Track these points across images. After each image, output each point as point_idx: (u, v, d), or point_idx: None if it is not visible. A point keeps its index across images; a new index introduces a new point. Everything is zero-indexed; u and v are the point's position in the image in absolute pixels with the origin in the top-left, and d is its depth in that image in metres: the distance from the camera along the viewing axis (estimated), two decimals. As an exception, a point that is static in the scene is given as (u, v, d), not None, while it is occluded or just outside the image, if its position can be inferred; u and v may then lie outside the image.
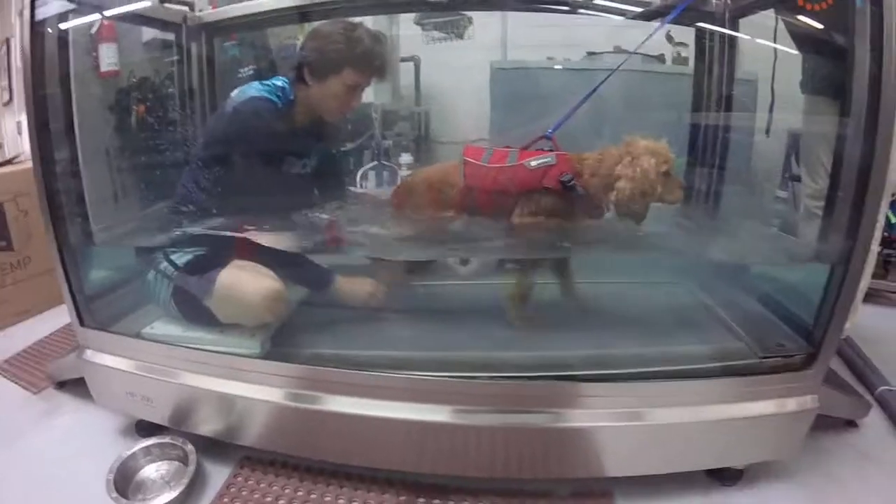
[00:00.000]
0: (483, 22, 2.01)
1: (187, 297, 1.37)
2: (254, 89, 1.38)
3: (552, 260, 1.55)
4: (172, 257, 1.39)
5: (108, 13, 1.46)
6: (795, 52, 1.69)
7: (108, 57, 1.81)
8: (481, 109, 1.98)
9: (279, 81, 1.41)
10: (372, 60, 1.39)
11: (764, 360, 1.30)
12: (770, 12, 1.65)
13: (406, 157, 2.03)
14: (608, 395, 1.25)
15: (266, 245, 1.35)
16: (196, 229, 1.37)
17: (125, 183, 1.78)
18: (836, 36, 1.40)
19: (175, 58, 1.62)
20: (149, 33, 1.82)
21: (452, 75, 2.21)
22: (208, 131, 1.45)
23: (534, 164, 1.39)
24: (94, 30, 1.79)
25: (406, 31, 1.97)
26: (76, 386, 1.59)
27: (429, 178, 1.53)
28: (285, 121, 1.40)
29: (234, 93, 1.41)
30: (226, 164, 1.37)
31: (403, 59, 2.16)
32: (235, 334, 1.37)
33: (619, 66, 1.56)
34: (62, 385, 1.72)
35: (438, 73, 2.25)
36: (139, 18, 1.62)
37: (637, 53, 1.64)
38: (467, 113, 2.17)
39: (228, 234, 1.33)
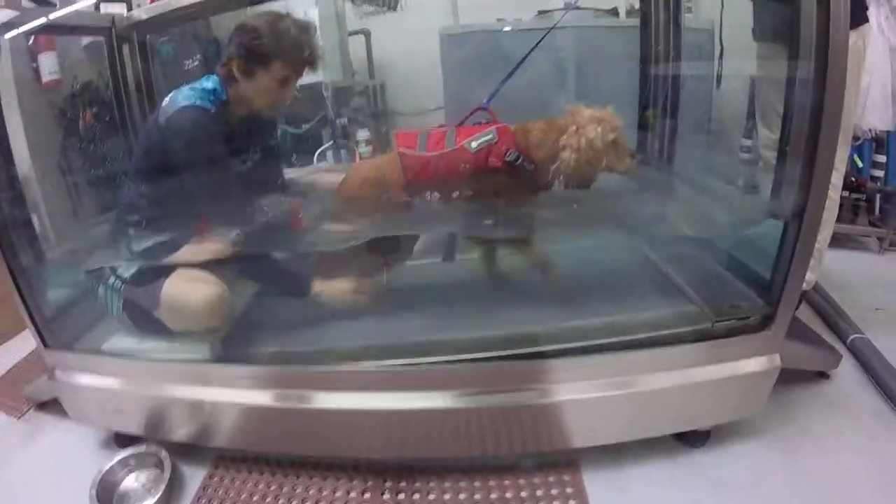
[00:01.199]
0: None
1: (137, 310, 1.32)
2: (183, 96, 1.28)
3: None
4: (119, 270, 1.33)
5: (22, 29, 1.36)
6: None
7: (48, 67, 1.71)
8: (435, 77, 1.87)
9: (209, 83, 1.32)
10: (300, 51, 1.30)
11: (718, 323, 1.23)
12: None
13: (363, 133, 1.93)
14: (568, 369, 1.20)
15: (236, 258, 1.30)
16: (142, 240, 1.31)
17: (82, 194, 1.70)
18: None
19: (108, 63, 1.52)
20: (88, 37, 1.71)
21: (404, 45, 2.09)
22: (143, 143, 1.36)
23: (474, 144, 1.28)
24: (31, 41, 1.69)
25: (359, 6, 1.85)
26: (56, 405, 1.55)
27: (365, 179, 1.42)
28: (221, 123, 1.31)
29: (165, 101, 1.31)
30: (164, 176, 1.29)
31: (353, 33, 2.04)
32: (186, 341, 1.33)
33: (555, 25, 1.45)
34: (43, 406, 1.68)
35: (390, 44, 2.12)
36: (62, 29, 1.51)
37: (577, 8, 1.52)
38: (422, 82, 2.06)
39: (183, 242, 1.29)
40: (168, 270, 1.29)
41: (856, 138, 2.13)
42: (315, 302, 1.41)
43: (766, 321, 1.21)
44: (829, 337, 1.69)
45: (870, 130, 2.00)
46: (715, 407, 1.26)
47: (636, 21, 1.90)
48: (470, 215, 1.36)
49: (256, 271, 1.37)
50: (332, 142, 1.99)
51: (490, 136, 1.29)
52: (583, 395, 1.19)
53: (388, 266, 1.53)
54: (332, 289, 1.42)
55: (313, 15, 1.79)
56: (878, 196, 2.29)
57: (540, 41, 1.41)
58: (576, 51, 1.89)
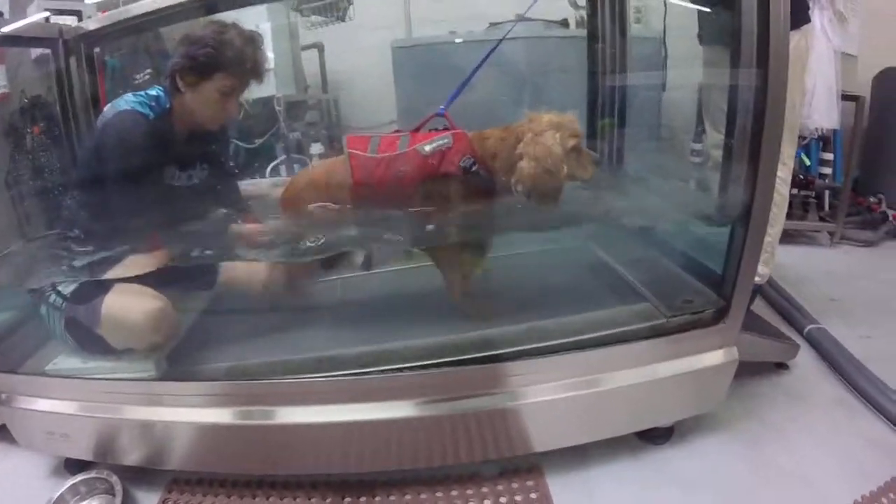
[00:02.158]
0: (384, 2, 1.86)
1: (79, 328, 1.23)
2: (124, 102, 1.22)
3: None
4: (59, 287, 1.24)
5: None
6: (691, 5, 1.59)
7: (-4, 80, 1.63)
8: (388, 91, 1.83)
9: (153, 91, 1.26)
10: (244, 63, 1.24)
11: (671, 318, 1.20)
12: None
13: (317, 147, 1.88)
14: (527, 372, 1.15)
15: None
16: (82, 256, 1.23)
17: (28, 210, 1.61)
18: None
19: (53, 71, 1.44)
20: (37, 49, 1.63)
21: (357, 59, 2.06)
22: (82, 151, 1.29)
23: (428, 148, 1.20)
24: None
25: (307, 17, 1.81)
26: (5, 432, 1.44)
27: (314, 180, 1.34)
28: (161, 132, 1.24)
29: (107, 108, 1.25)
30: (103, 184, 1.22)
31: (305, 47, 1.99)
32: (131, 359, 1.24)
33: (505, 35, 1.42)
34: (-8, 433, 1.57)
35: (343, 57, 2.08)
36: (7, 39, 1.43)
37: (527, 19, 1.50)
38: (374, 95, 2.02)
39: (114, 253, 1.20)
40: (108, 286, 1.21)
41: (802, 138, 2.16)
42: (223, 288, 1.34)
43: (720, 314, 1.18)
44: (785, 329, 1.67)
45: (816, 130, 2.03)
46: (675, 402, 1.22)
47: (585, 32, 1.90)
48: (414, 222, 1.28)
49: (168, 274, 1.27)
50: (284, 156, 1.93)
51: (445, 140, 1.21)
52: (542, 397, 1.14)
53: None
54: (242, 273, 1.35)
55: (265, 28, 1.75)
56: (826, 192, 2.32)
57: (495, 47, 1.37)
58: (527, 61, 1.87)
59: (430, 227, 1.25)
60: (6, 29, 1.42)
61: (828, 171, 2.35)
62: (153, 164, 1.22)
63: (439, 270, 1.37)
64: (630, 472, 1.22)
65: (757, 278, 1.68)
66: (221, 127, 1.41)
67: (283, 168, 1.83)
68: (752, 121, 1.10)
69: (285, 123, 1.92)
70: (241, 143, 1.92)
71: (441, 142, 1.21)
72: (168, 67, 1.24)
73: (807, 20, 1.49)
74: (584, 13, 1.98)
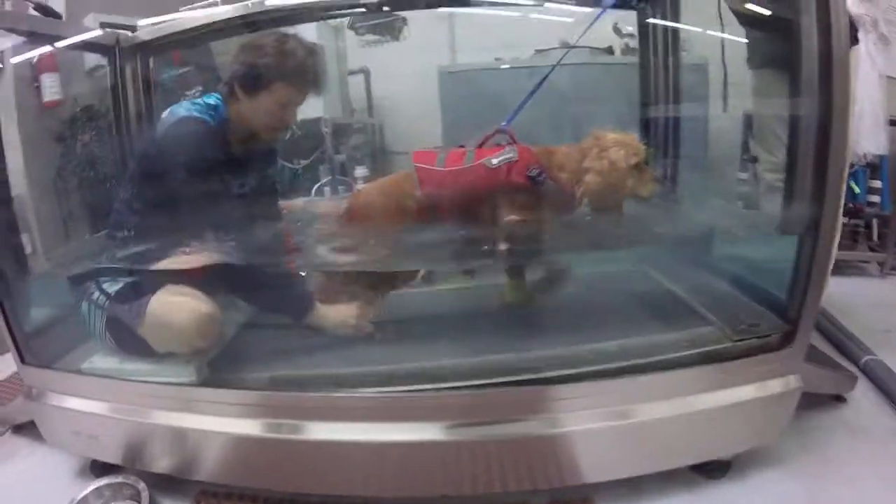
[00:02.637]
0: (430, 27, 1.87)
1: (120, 328, 1.18)
2: (184, 109, 1.21)
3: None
4: (104, 286, 1.21)
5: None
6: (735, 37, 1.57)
7: (50, 87, 1.65)
8: (433, 116, 1.82)
9: (211, 99, 1.24)
10: (304, 75, 1.23)
11: (738, 342, 1.12)
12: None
13: (361, 171, 1.87)
14: (579, 396, 1.07)
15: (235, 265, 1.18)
16: (128, 255, 1.20)
17: (75, 215, 1.61)
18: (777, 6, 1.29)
19: (109, 79, 1.45)
20: (91, 60, 1.66)
21: (403, 84, 2.06)
22: (139, 154, 1.28)
23: (495, 161, 1.21)
24: (34, 60, 1.63)
25: (353, 42, 1.83)
26: (34, 429, 1.40)
27: (384, 191, 1.33)
28: (219, 140, 1.23)
29: (165, 114, 1.24)
30: (159, 188, 1.20)
31: (352, 73, 2.01)
32: (171, 363, 1.19)
33: (564, 55, 1.40)
34: (19, 429, 1.51)
35: (389, 82, 2.09)
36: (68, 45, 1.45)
37: (573, 47, 1.49)
38: (420, 121, 2.01)
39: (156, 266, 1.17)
40: (155, 286, 1.17)
41: (850, 165, 2.09)
42: (314, 326, 1.29)
43: (786, 338, 1.10)
44: (840, 360, 1.57)
45: (864, 156, 1.96)
46: (736, 433, 1.13)
47: (631, 59, 1.89)
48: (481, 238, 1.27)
49: (252, 287, 1.25)
50: (330, 177, 1.92)
51: (511, 154, 1.22)
52: (595, 424, 1.06)
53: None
54: (335, 313, 1.30)
55: None
56: (875, 221, 2.23)
57: (554, 68, 1.37)
58: (573, 88, 1.86)
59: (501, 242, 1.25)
60: (68, 41, 1.44)
61: (876, 199, 2.26)
62: (209, 171, 1.20)
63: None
64: (687, 508, 1.12)
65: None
66: (275, 138, 1.39)
67: (326, 189, 1.82)
68: (817, 137, 1.05)
69: (331, 146, 1.92)
70: (286, 164, 1.92)
71: (507, 155, 1.22)
72: (227, 75, 1.23)
73: (854, 42, 1.45)
74: (628, 41, 1.97)
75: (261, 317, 1.36)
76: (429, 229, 1.28)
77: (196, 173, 1.17)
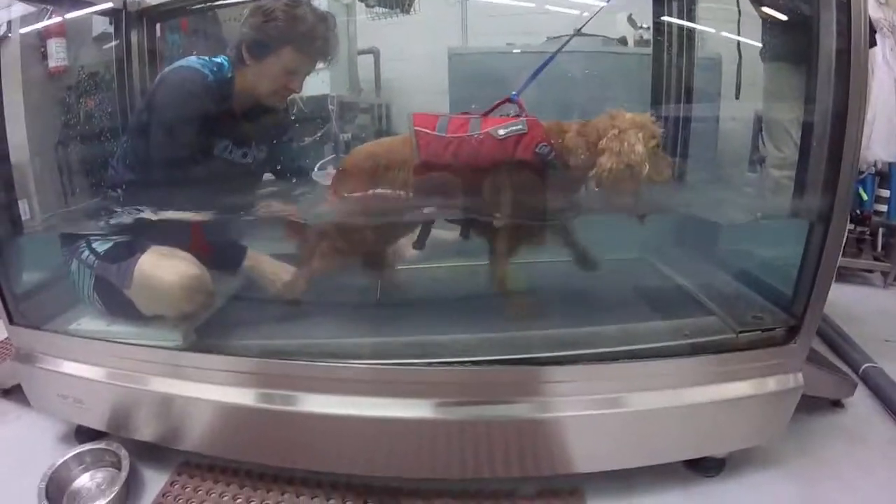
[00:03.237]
0: (443, 10, 1.82)
1: (108, 288, 1.14)
2: (186, 61, 1.18)
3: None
4: (94, 245, 1.17)
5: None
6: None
7: (56, 52, 1.61)
8: (442, 98, 1.77)
9: (218, 58, 1.20)
10: (314, 41, 1.18)
11: (741, 334, 1.07)
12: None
13: None
14: (573, 379, 1.02)
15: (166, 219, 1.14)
16: (119, 213, 1.15)
17: (75, 179, 1.57)
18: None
19: (114, 44, 1.41)
20: (98, 27, 1.62)
21: (412, 65, 2.01)
22: (136, 109, 1.24)
23: (502, 132, 1.12)
24: (42, 25, 1.59)
25: (363, 20, 1.78)
26: (22, 393, 1.37)
27: (374, 155, 1.23)
28: (219, 99, 1.18)
29: (168, 67, 1.20)
30: (152, 142, 1.15)
31: (362, 52, 1.96)
32: (157, 326, 1.15)
33: (570, 38, 1.34)
34: (7, 393, 1.48)
35: (398, 63, 2.04)
36: (73, 4, 1.41)
37: (585, 35, 1.44)
38: (428, 103, 1.96)
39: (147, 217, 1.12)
40: (144, 248, 1.13)
41: (859, 171, 2.04)
42: (249, 275, 1.25)
43: (790, 334, 1.06)
44: (840, 366, 1.53)
45: (874, 164, 1.91)
46: (735, 430, 1.08)
47: (644, 50, 1.84)
48: (482, 209, 1.20)
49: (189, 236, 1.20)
50: (334, 156, 1.87)
51: (520, 126, 1.13)
52: (587, 410, 1.01)
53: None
54: (269, 266, 1.26)
55: None
56: (881, 230, 2.18)
57: (566, 42, 1.31)
58: (584, 75, 1.82)
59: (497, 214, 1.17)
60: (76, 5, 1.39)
61: (883, 207, 2.21)
62: (204, 127, 1.16)
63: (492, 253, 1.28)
64: (679, 506, 1.08)
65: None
66: (284, 111, 1.35)
67: (330, 167, 1.77)
68: (831, 126, 1.01)
69: (337, 124, 1.87)
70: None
71: (516, 127, 1.13)
72: (236, 38, 1.19)
73: (873, 43, 1.40)
74: (642, 32, 1.92)
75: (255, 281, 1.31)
76: (419, 197, 1.20)
77: (184, 124, 1.13)
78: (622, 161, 1.08)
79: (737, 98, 1.52)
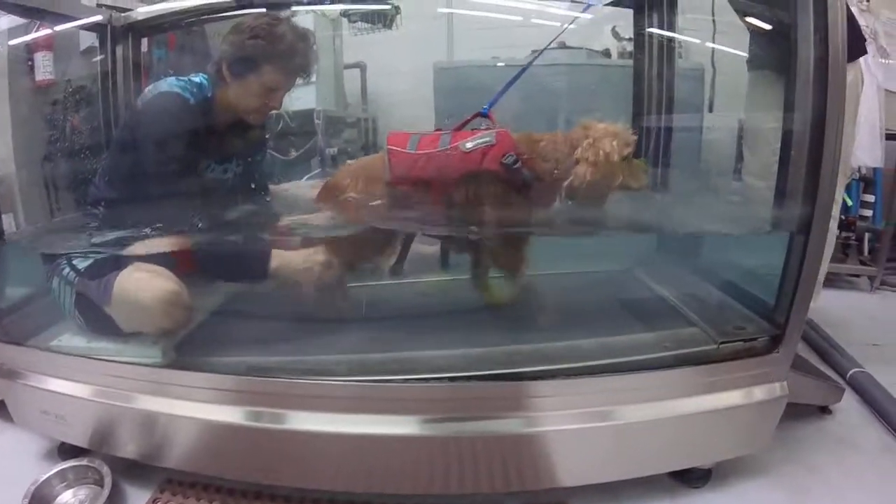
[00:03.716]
0: (428, 25, 1.82)
1: (89, 305, 1.13)
2: (166, 84, 1.16)
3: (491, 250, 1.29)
4: (75, 262, 1.15)
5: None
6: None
7: (43, 66, 1.60)
8: (427, 112, 1.78)
9: (197, 78, 1.19)
10: (294, 59, 1.17)
11: (723, 345, 1.06)
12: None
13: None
14: (557, 394, 1.01)
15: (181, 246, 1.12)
16: (100, 232, 1.14)
17: (60, 195, 1.55)
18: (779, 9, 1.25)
19: (100, 58, 1.40)
20: (85, 41, 1.61)
21: (398, 79, 2.01)
22: (117, 131, 1.23)
23: (469, 145, 1.12)
24: (29, 38, 1.58)
25: (349, 36, 1.78)
26: (4, 409, 1.35)
27: (353, 174, 1.25)
28: (200, 119, 1.17)
29: (148, 88, 1.19)
30: (131, 162, 1.15)
31: (348, 66, 1.96)
32: (137, 343, 1.13)
33: (550, 43, 1.37)
34: (-9, 409, 1.47)
35: (384, 77, 2.04)
36: (58, 17, 1.40)
37: (569, 48, 1.45)
38: (413, 117, 1.96)
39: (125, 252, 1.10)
40: (124, 264, 1.11)
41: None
42: (278, 276, 1.17)
43: (773, 343, 1.04)
44: (827, 372, 1.51)
45: (858, 169, 1.92)
46: (720, 440, 1.07)
47: (628, 62, 1.84)
48: (454, 223, 1.20)
49: (209, 260, 1.18)
50: (319, 170, 1.86)
51: (488, 139, 1.13)
52: (571, 424, 1.00)
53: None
54: (297, 256, 1.18)
55: None
56: (867, 235, 2.17)
57: (539, 54, 1.32)
58: (568, 88, 1.82)
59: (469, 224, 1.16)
60: (61, 20, 1.39)
61: (869, 212, 2.21)
62: (188, 149, 1.15)
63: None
64: (666, 517, 1.06)
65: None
66: (262, 127, 1.33)
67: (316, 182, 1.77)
68: (811, 136, 1.00)
69: (323, 139, 1.86)
70: (277, 154, 1.87)
71: (484, 140, 1.13)
72: (215, 55, 1.18)
73: (863, 51, 1.40)
74: (626, 45, 1.93)
75: (234, 298, 1.29)
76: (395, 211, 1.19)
77: (167, 150, 1.12)
78: (598, 171, 1.09)
79: (709, 111, 1.52)
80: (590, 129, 1.13)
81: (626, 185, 1.12)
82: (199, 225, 1.15)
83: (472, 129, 1.20)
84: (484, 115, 1.21)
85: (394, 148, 1.16)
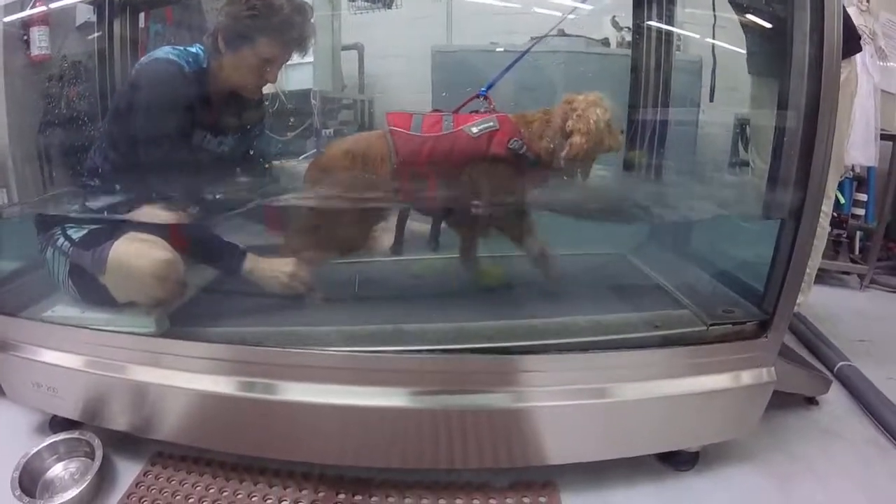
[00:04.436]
0: (427, 8, 1.82)
1: (83, 275, 1.12)
2: (161, 52, 1.15)
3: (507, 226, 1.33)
4: (69, 232, 1.15)
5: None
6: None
7: (39, 41, 1.59)
8: (424, 96, 1.78)
9: (193, 48, 1.18)
10: (290, 31, 1.16)
11: (713, 326, 1.07)
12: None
13: None
14: (546, 369, 1.02)
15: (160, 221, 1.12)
16: (97, 203, 1.14)
17: (55, 169, 1.55)
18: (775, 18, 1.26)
19: (97, 34, 1.40)
20: (82, 16, 1.60)
21: (396, 62, 2.01)
22: (112, 100, 1.22)
23: (475, 130, 1.16)
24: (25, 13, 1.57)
25: (348, 15, 1.78)
26: (-3, 383, 1.34)
27: (351, 152, 1.24)
28: (194, 89, 1.16)
29: (143, 58, 1.18)
30: (128, 132, 1.14)
31: (346, 47, 1.95)
32: (131, 313, 1.13)
33: (551, 30, 1.42)
34: (-18, 383, 1.46)
35: (381, 59, 2.03)
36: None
37: (568, 36, 1.47)
38: (410, 100, 1.95)
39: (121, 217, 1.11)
40: (119, 234, 1.11)
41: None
42: (248, 279, 1.21)
43: (762, 328, 1.06)
44: (815, 365, 1.54)
45: (852, 168, 1.93)
46: (707, 423, 1.08)
47: (626, 51, 1.85)
48: (460, 200, 1.23)
49: (189, 241, 1.17)
50: (315, 150, 1.86)
51: (492, 123, 1.17)
52: (560, 401, 1.01)
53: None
54: (268, 265, 1.21)
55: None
56: (858, 234, 2.20)
57: (539, 40, 1.36)
58: (566, 75, 1.83)
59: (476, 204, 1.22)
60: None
61: (861, 211, 2.23)
62: (181, 117, 1.14)
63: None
64: (652, 499, 1.08)
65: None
66: (259, 104, 1.33)
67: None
68: (804, 121, 1.02)
69: (319, 119, 1.85)
70: (272, 134, 1.86)
71: (488, 124, 1.17)
72: (211, 26, 1.17)
73: (858, 49, 1.41)
74: (625, 34, 1.93)
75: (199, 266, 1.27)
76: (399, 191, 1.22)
77: (162, 117, 1.11)
78: (592, 137, 1.15)
79: (710, 100, 1.53)
80: (573, 101, 1.19)
81: (609, 147, 1.20)
82: (193, 208, 1.15)
83: (471, 112, 1.22)
84: (482, 96, 1.23)
85: (397, 129, 1.18)
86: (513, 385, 1.01)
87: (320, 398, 1.02)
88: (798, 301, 1.56)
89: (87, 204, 1.17)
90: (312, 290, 1.25)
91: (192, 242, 1.18)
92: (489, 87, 1.24)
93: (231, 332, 1.13)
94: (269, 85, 1.41)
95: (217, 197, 1.21)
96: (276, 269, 1.22)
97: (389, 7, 1.48)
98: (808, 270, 1.53)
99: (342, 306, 1.26)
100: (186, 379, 1.06)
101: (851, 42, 1.38)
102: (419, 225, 1.37)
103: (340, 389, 1.02)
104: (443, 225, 1.38)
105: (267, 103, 1.51)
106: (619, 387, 1.01)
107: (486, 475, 1.11)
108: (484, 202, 1.21)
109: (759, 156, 1.56)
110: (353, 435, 1.04)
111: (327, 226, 1.29)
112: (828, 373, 1.50)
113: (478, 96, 1.23)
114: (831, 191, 1.51)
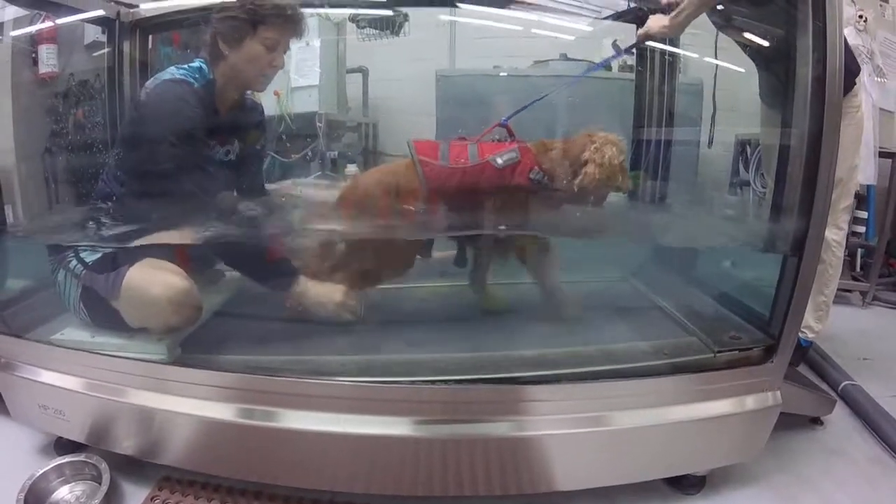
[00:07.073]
0: (432, 33, 1.86)
1: (96, 299, 1.13)
2: (168, 73, 1.18)
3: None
4: (82, 255, 1.16)
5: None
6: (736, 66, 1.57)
7: (47, 58, 1.61)
8: (429, 120, 1.82)
9: (195, 63, 1.21)
10: (284, 14, 1.20)
11: (720, 353, 1.09)
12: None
13: (352, 168, 1.84)
14: (554, 399, 1.03)
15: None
16: (111, 226, 1.15)
17: (61, 188, 1.56)
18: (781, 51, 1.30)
19: (106, 52, 1.42)
20: (90, 35, 1.63)
21: (400, 85, 2.05)
22: (123, 124, 1.24)
23: (500, 161, 1.25)
24: (34, 30, 1.59)
25: (353, 40, 1.81)
26: (2, 402, 1.34)
27: (382, 182, 1.31)
28: (205, 103, 1.19)
29: (149, 80, 1.20)
30: (143, 154, 1.16)
31: (351, 71, 1.99)
32: (142, 339, 1.14)
33: (589, 69, 1.56)
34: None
35: (386, 83, 2.07)
36: (66, 10, 1.42)
37: (571, 60, 1.52)
38: (414, 123, 2.00)
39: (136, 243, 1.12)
40: (134, 259, 1.12)
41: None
42: (296, 301, 1.22)
43: (768, 353, 1.07)
44: (819, 385, 1.55)
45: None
46: (714, 448, 1.09)
47: (628, 75, 1.89)
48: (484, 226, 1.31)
49: (236, 255, 1.21)
50: (319, 173, 1.89)
51: (514, 154, 1.26)
52: (568, 429, 1.02)
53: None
54: (319, 290, 1.24)
55: (315, 46, 1.77)
56: (859, 251, 2.23)
57: (581, 77, 1.50)
58: (568, 98, 1.87)
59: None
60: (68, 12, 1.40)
61: (861, 229, 2.26)
62: (194, 135, 1.16)
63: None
64: (661, 523, 1.08)
65: (811, 335, 1.62)
66: (261, 111, 1.36)
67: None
68: (807, 155, 1.05)
69: (324, 142, 1.88)
70: (277, 156, 1.89)
71: (511, 155, 1.26)
72: (208, 35, 1.19)
73: (853, 85, 1.45)
74: (626, 58, 1.97)
75: (240, 298, 1.31)
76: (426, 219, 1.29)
77: (179, 137, 1.13)
78: (604, 171, 1.25)
79: (712, 123, 1.57)
80: (593, 136, 1.29)
81: (619, 187, 1.29)
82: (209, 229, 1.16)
83: (494, 142, 1.31)
84: (503, 125, 1.31)
85: (426, 159, 1.24)
86: (521, 414, 1.02)
87: (329, 427, 1.02)
88: (814, 329, 1.60)
89: (100, 227, 1.18)
90: (361, 318, 1.27)
91: (244, 257, 1.21)
92: (510, 117, 1.31)
93: (239, 361, 1.13)
94: (275, 107, 1.44)
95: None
96: (327, 295, 1.24)
97: (397, 35, 1.52)
98: (823, 298, 1.56)
99: (349, 333, 1.27)
100: (195, 405, 1.06)
101: (850, 76, 1.41)
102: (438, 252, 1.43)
103: (349, 418, 1.02)
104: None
105: (269, 123, 1.53)
106: (628, 414, 1.02)
107: (494, 501, 1.10)
108: (508, 227, 1.29)
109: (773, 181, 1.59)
110: (362, 463, 1.05)
111: (377, 254, 1.36)
112: (832, 392, 1.51)
113: (499, 125, 1.31)
114: (843, 223, 1.55)
